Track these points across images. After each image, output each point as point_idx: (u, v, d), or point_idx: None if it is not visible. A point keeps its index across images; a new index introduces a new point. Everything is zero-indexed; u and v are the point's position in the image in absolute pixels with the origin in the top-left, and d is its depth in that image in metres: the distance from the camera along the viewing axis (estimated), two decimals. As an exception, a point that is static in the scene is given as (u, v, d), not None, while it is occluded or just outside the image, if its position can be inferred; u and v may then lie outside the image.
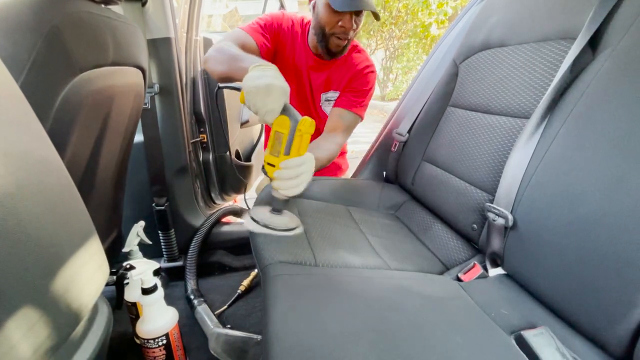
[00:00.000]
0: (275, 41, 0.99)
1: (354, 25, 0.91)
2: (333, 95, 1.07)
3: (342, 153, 1.32)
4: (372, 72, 1.04)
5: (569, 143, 0.53)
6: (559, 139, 0.55)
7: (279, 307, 0.48)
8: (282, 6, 2.28)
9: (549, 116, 0.59)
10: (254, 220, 0.62)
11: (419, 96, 1.10)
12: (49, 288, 0.32)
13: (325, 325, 0.46)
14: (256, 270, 1.08)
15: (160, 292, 0.70)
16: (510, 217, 0.59)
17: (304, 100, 1.10)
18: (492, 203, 0.64)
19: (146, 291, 0.68)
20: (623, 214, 0.43)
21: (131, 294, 0.76)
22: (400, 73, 6.51)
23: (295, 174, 0.58)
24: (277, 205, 0.63)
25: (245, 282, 1.03)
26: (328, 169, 1.26)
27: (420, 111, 1.04)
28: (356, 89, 1.02)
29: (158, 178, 1.06)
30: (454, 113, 0.89)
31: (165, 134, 1.02)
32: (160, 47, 0.93)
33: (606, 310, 0.43)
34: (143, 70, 0.74)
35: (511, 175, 0.62)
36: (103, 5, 0.61)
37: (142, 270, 0.72)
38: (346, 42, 0.95)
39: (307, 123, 0.57)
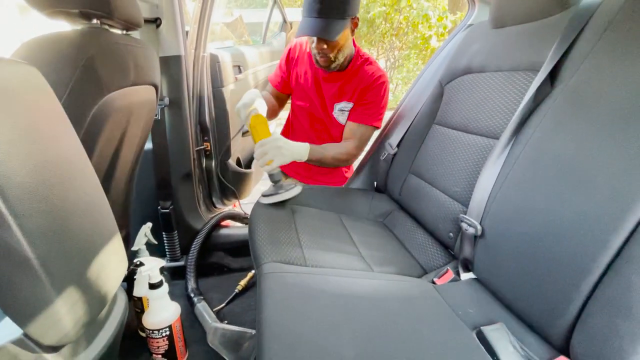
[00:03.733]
0: (292, 67, 1.19)
1: (324, 46, 1.00)
2: (346, 105, 1.16)
3: (350, 167, 1.40)
4: (383, 82, 1.11)
5: (526, 165, 0.61)
6: (520, 160, 0.63)
7: (271, 300, 0.55)
8: (284, 19, 2.38)
9: (514, 139, 0.67)
10: (264, 196, 0.92)
11: (408, 113, 1.18)
12: (85, 274, 0.39)
13: (311, 317, 0.53)
14: (253, 271, 1.15)
15: (165, 287, 0.78)
16: (479, 227, 0.67)
17: (316, 110, 1.20)
18: (465, 214, 0.72)
19: (153, 286, 0.75)
20: (563, 227, 0.50)
21: (138, 289, 0.83)
22: (400, 83, 6.64)
23: (259, 153, 0.88)
24: (271, 178, 0.94)
25: (242, 282, 1.10)
26: (335, 179, 1.36)
27: (409, 127, 1.13)
28: (368, 100, 1.11)
29: (164, 183, 1.14)
30: (438, 130, 0.97)
31: (172, 143, 1.10)
32: (171, 64, 1.01)
33: (550, 307, 0.51)
34: (156, 87, 0.83)
35: (481, 189, 0.69)
36: (125, 32, 0.69)
37: (150, 267, 0.80)
38: (328, 59, 1.04)
39: (255, 118, 0.89)
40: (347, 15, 0.97)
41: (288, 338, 0.48)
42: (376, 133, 1.24)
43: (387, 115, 1.25)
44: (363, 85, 1.11)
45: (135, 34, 0.77)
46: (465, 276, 0.72)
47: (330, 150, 1.07)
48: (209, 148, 1.27)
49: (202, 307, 0.94)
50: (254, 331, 0.81)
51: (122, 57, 0.60)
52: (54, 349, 0.37)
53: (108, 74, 0.56)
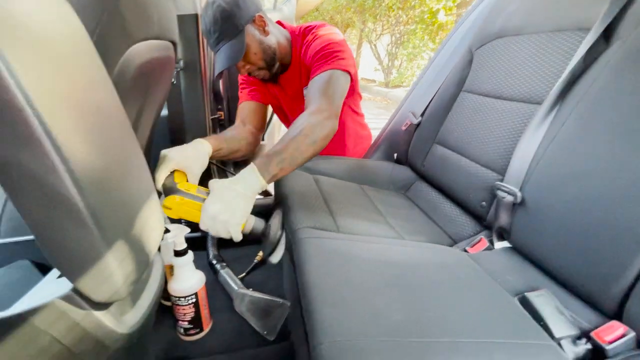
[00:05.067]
0: (258, 81, 1.10)
1: (246, 67, 0.95)
2: None
3: (366, 137, 1.30)
4: (321, 26, 0.99)
5: (577, 127, 0.58)
6: (568, 124, 0.60)
7: (312, 264, 0.53)
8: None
9: (561, 102, 0.63)
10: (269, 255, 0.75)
11: (433, 81, 1.14)
12: (131, 229, 0.37)
13: (352, 281, 0.52)
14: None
15: (190, 254, 0.76)
16: (519, 194, 0.64)
17: (297, 110, 1.13)
18: (501, 182, 0.69)
19: (178, 253, 0.74)
20: (620, 191, 0.48)
21: (163, 256, 0.82)
22: (405, 60, 6.45)
23: (215, 235, 0.70)
24: (251, 237, 0.73)
25: (262, 252, 1.09)
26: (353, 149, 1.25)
27: (434, 96, 1.08)
28: (312, 55, 0.94)
29: (179, 151, 1.10)
30: (467, 98, 0.93)
31: (187, 109, 1.05)
32: (187, 24, 0.95)
33: (602, 274, 0.49)
34: (175, 45, 0.78)
35: (521, 156, 0.67)
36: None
37: (174, 234, 0.78)
38: (263, 71, 0.99)
39: (171, 202, 0.70)
40: (241, 26, 0.88)
41: (336, 301, 0.46)
42: (387, 107, 1.18)
43: (396, 91, 1.19)
44: (303, 53, 0.99)
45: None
46: (500, 245, 0.70)
47: (291, 141, 0.72)
48: (222, 117, 1.23)
49: (227, 274, 0.93)
50: (281, 300, 0.81)
51: (145, 4, 0.55)
52: (104, 306, 0.35)
53: (134, 21, 0.51)
